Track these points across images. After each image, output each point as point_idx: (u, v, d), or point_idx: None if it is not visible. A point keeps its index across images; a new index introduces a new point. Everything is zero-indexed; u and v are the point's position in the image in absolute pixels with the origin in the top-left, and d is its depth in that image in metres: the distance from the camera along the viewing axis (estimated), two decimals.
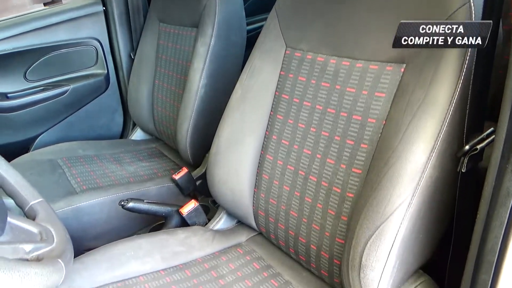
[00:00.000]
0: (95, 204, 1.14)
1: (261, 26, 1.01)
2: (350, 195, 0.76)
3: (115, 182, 1.27)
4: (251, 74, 0.97)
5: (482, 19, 0.62)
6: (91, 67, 1.63)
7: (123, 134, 1.79)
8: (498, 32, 0.65)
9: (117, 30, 1.62)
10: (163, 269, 0.88)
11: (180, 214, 1.05)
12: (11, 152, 1.31)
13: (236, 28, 1.30)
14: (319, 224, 0.81)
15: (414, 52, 0.69)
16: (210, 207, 1.34)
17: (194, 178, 1.29)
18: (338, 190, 0.78)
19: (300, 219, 0.85)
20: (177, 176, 1.23)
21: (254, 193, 0.96)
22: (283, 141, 0.90)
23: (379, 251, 0.65)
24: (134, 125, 1.74)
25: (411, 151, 0.64)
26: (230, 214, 1.07)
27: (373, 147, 0.73)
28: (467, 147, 0.64)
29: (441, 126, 0.63)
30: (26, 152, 1.49)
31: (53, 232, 0.63)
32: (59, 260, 0.56)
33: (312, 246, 0.83)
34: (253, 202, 0.96)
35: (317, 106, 0.84)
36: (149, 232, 1.16)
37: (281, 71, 0.93)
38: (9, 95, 1.48)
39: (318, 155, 0.83)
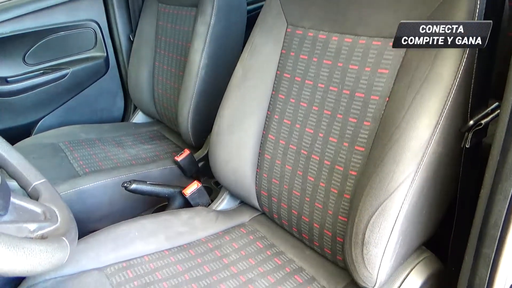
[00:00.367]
0: (98, 187, 1.14)
1: (261, 7, 0.99)
2: (353, 173, 0.76)
3: (117, 164, 1.27)
4: (251, 53, 0.96)
5: None
6: (90, 49, 1.61)
7: (125, 117, 1.79)
8: (504, 7, 0.63)
9: (115, 11, 1.60)
10: (167, 249, 0.89)
11: (183, 195, 1.05)
12: (13, 136, 1.31)
13: (236, 7, 1.28)
14: (322, 203, 0.81)
15: None
16: (213, 188, 1.35)
17: (196, 160, 1.29)
18: (341, 169, 0.78)
19: (303, 198, 0.85)
20: (179, 158, 1.23)
21: (256, 173, 0.96)
22: (285, 120, 0.89)
23: (382, 227, 0.65)
24: (135, 108, 1.73)
25: (415, 127, 0.63)
26: (233, 195, 1.07)
27: (376, 124, 0.73)
28: (471, 122, 0.63)
29: (445, 102, 0.62)
30: (28, 136, 1.49)
31: (56, 212, 0.63)
32: (64, 238, 0.56)
33: (315, 224, 0.83)
34: (256, 182, 0.96)
35: (319, 84, 0.83)
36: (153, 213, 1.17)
37: (282, 49, 0.91)
38: (9, 79, 1.47)
39: (320, 134, 0.82)
